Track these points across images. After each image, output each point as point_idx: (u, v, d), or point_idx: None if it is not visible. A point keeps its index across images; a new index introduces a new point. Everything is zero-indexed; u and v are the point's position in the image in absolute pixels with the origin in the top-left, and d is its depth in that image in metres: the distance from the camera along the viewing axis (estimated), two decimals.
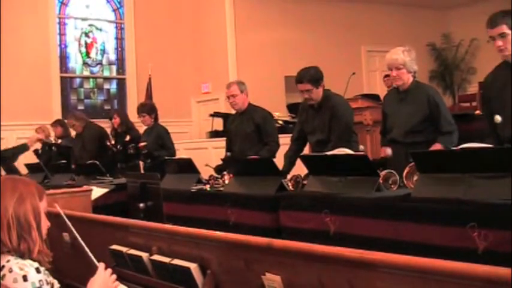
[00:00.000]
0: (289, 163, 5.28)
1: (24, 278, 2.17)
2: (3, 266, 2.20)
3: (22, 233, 2.25)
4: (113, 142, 8.35)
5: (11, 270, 2.18)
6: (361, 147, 4.75)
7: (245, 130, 5.83)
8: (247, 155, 5.37)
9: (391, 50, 4.71)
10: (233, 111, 6.24)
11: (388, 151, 4.40)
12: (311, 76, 5.07)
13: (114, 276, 2.44)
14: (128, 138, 8.01)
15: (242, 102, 5.89)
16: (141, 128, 8.33)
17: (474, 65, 13.62)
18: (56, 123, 9.24)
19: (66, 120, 9.00)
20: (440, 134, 4.49)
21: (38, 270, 2.21)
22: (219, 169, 5.51)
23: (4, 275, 2.18)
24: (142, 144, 7.17)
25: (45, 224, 2.38)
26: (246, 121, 5.86)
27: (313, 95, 5.11)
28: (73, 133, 8.94)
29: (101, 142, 8.38)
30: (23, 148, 5.77)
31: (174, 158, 6.73)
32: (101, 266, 2.40)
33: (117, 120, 8.46)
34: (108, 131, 8.84)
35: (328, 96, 5.23)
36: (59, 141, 9.25)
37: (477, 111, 7.36)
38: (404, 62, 4.59)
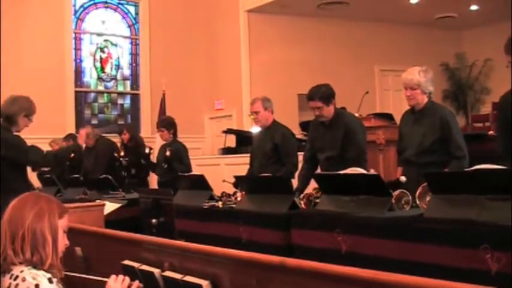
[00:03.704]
0: (303, 182, 5.27)
1: (37, 287, 2.19)
2: (16, 276, 2.23)
3: (36, 246, 2.28)
4: (122, 154, 8.37)
5: (24, 280, 2.22)
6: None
7: (264, 148, 5.82)
8: (264, 173, 5.36)
9: (408, 69, 4.70)
10: (247, 128, 6.24)
11: (402, 178, 4.35)
12: (322, 93, 5.09)
13: (127, 280, 2.47)
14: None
15: (265, 119, 5.86)
16: (153, 144, 8.38)
17: (488, 85, 13.55)
18: (69, 137, 9.28)
19: (84, 129, 8.90)
20: (451, 157, 4.48)
21: (50, 281, 2.24)
22: None
23: (17, 284, 2.22)
24: (168, 153, 7.15)
25: (63, 242, 2.40)
26: (267, 139, 5.83)
27: (325, 112, 5.12)
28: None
29: (113, 156, 8.42)
30: (75, 148, 5.76)
31: (186, 174, 6.73)
32: (110, 279, 2.45)
33: (126, 135, 8.49)
34: (118, 145, 8.89)
35: (341, 114, 5.25)
36: (72, 155, 9.30)
37: (490, 132, 7.33)
38: (419, 83, 4.58)
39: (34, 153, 5.17)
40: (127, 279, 2.50)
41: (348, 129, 5.10)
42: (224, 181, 5.65)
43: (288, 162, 5.68)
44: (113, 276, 2.49)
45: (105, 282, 2.50)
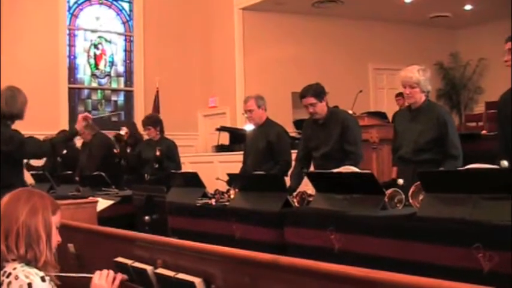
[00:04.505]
0: (296, 181, 5.28)
1: (29, 286, 2.20)
2: (9, 274, 2.23)
3: (31, 242, 2.28)
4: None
5: (17, 278, 2.21)
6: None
7: (258, 146, 5.83)
8: (257, 170, 5.37)
9: (407, 68, 4.72)
10: (241, 126, 6.23)
11: (400, 181, 4.35)
12: (314, 90, 5.16)
13: (111, 275, 2.46)
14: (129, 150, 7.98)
15: (259, 117, 5.88)
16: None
17: (481, 85, 13.59)
18: (61, 133, 9.22)
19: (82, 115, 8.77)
20: (446, 156, 4.50)
21: (43, 279, 2.23)
22: None
23: (10, 282, 2.21)
24: (158, 153, 7.11)
25: (56, 238, 2.40)
26: (261, 137, 5.85)
27: (318, 109, 5.17)
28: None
29: (108, 152, 8.37)
30: (72, 133, 5.64)
31: (179, 172, 6.70)
32: (95, 276, 2.44)
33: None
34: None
35: (335, 112, 5.35)
36: (64, 151, 9.24)
37: (484, 131, 7.36)
38: (418, 81, 4.60)
39: (31, 145, 5.15)
40: (111, 272, 2.49)
41: (344, 125, 5.15)
42: (217, 179, 5.65)
43: (282, 160, 5.70)
44: (97, 273, 2.48)
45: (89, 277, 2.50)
